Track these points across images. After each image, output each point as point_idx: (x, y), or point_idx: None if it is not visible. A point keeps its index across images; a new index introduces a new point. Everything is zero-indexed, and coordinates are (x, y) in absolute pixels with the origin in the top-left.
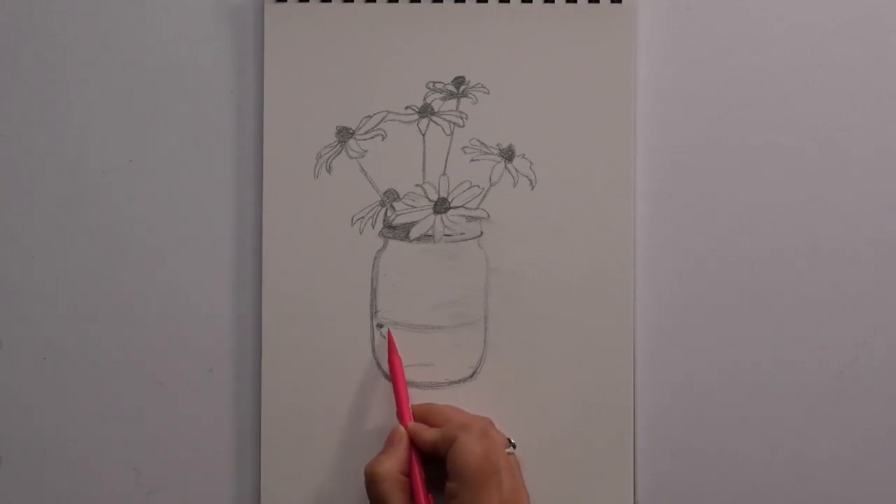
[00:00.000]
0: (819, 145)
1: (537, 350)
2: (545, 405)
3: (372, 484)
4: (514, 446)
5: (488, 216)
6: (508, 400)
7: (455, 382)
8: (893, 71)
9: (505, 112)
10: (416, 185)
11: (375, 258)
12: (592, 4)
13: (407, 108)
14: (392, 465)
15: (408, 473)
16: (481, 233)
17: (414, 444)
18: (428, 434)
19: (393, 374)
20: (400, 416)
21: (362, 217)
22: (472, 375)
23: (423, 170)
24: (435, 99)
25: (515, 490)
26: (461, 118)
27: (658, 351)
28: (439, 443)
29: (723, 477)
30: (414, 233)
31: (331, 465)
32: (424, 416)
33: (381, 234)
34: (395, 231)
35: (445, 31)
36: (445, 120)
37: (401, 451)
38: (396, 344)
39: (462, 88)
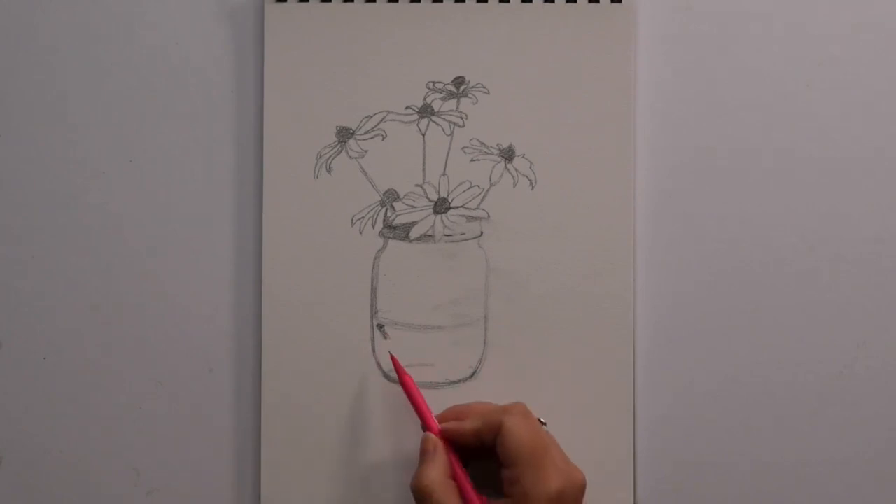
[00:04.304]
0: (819, 145)
1: (537, 350)
2: (545, 405)
3: (425, 498)
4: (545, 424)
5: (488, 216)
6: (508, 400)
7: (455, 382)
8: (893, 71)
9: (505, 112)
10: (416, 185)
11: (375, 258)
12: (592, 4)
13: (407, 108)
14: (437, 473)
15: (453, 477)
16: (481, 233)
17: (455, 440)
18: (468, 425)
19: (408, 392)
20: (427, 426)
21: (362, 217)
22: (472, 375)
23: (423, 170)
24: (435, 99)
25: (566, 461)
26: (461, 118)
27: (658, 351)
28: (483, 431)
29: (723, 477)
30: (414, 233)
31: (331, 465)
32: (455, 417)
33: (381, 234)
34: (395, 231)
35: (445, 31)
36: (445, 120)
37: (440, 457)
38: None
39: (462, 88)
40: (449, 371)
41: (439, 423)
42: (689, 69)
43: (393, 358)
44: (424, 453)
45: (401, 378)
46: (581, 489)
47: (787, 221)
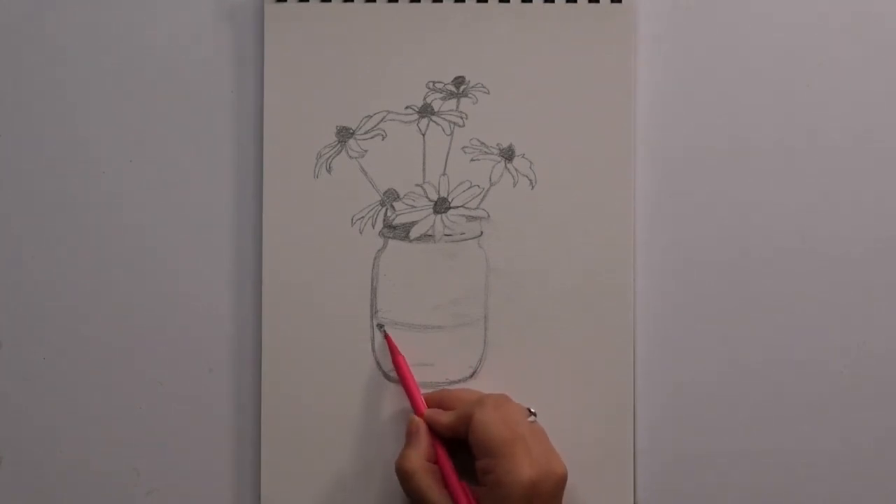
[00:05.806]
0: (819, 145)
1: (537, 350)
2: (545, 405)
3: (405, 480)
4: (534, 415)
5: (488, 216)
6: None
7: (455, 382)
8: (893, 71)
9: (505, 112)
10: (416, 185)
11: (375, 258)
12: (592, 4)
13: (407, 108)
14: (419, 456)
15: (434, 460)
16: (481, 233)
17: (432, 430)
18: (444, 417)
19: (400, 372)
20: (414, 407)
21: (362, 217)
22: (472, 375)
23: (423, 170)
24: (435, 99)
25: (546, 453)
26: (461, 118)
27: (658, 350)
28: (456, 424)
29: (723, 477)
30: (414, 233)
31: (331, 464)
32: (438, 403)
33: (381, 233)
34: (395, 231)
35: (445, 31)
36: (445, 120)
37: (423, 440)
38: (396, 344)
39: (462, 88)
40: (449, 371)
41: (427, 405)
42: (689, 69)
43: (387, 336)
44: (409, 435)
45: (394, 358)
46: (560, 481)
47: (788, 221)
